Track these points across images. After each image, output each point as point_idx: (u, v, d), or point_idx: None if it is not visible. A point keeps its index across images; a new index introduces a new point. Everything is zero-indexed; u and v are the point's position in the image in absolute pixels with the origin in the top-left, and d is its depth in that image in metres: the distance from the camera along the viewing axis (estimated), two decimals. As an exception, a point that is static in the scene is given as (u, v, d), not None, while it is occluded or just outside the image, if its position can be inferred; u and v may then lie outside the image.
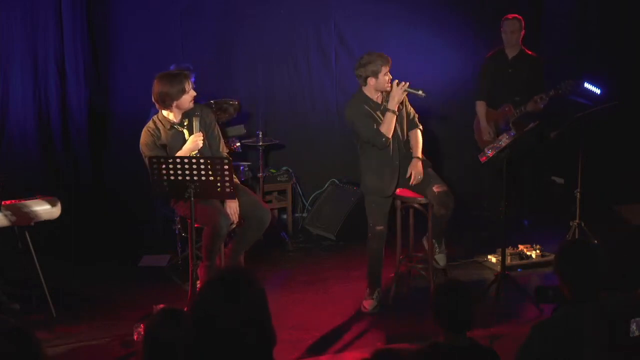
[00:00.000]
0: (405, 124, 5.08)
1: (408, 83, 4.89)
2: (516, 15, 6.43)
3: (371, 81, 4.95)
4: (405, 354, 2.73)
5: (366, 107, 4.99)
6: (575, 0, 7.55)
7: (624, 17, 7.13)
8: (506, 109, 6.36)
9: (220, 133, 5.06)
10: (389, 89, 4.94)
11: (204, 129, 4.92)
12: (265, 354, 2.09)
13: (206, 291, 2.12)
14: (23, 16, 6.10)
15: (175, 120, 4.86)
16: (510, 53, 6.47)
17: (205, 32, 6.75)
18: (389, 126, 4.92)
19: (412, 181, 4.98)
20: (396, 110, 4.92)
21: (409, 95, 5.00)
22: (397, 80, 4.90)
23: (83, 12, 6.27)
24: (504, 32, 6.42)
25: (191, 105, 4.86)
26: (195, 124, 4.84)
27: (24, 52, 6.14)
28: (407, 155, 5.08)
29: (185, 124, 4.87)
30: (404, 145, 5.08)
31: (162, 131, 4.83)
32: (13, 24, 6.08)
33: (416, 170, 5.00)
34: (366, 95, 5.01)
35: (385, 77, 4.92)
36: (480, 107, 6.53)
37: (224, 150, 5.04)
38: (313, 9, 7.07)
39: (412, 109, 5.17)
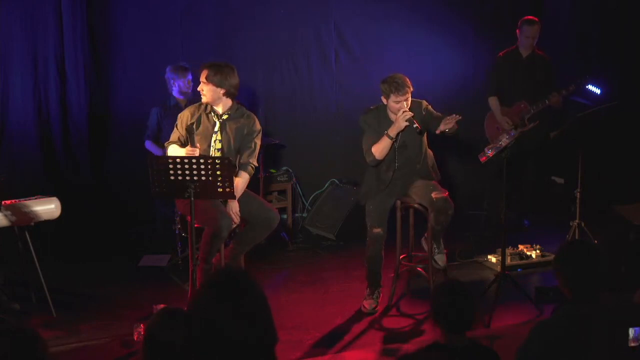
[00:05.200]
0: (419, 149, 5.08)
1: (411, 114, 4.86)
2: (536, 19, 6.41)
3: (384, 99, 4.97)
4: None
5: (377, 120, 5.02)
6: (575, 0, 7.56)
7: (624, 17, 7.13)
8: (521, 105, 6.37)
9: (257, 146, 5.08)
10: (394, 117, 4.93)
11: (239, 134, 5.00)
12: (265, 353, 2.09)
13: (202, 294, 2.12)
14: (23, 16, 6.10)
15: (217, 109, 5.00)
16: (525, 52, 6.47)
17: (205, 32, 6.75)
18: (380, 148, 4.94)
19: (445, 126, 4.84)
20: (393, 136, 4.92)
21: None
22: (404, 109, 4.86)
23: (83, 12, 6.27)
24: (524, 36, 6.39)
25: (203, 99, 4.99)
26: (192, 138, 4.89)
27: (24, 52, 6.14)
28: (410, 175, 5.09)
29: (223, 117, 4.99)
30: (417, 171, 5.10)
31: (200, 111, 5.00)
32: (13, 24, 6.08)
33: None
34: (386, 111, 5.02)
35: (394, 104, 4.88)
36: (494, 101, 6.53)
37: (253, 162, 5.05)
38: (313, 9, 7.07)
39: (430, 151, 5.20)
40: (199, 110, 5.04)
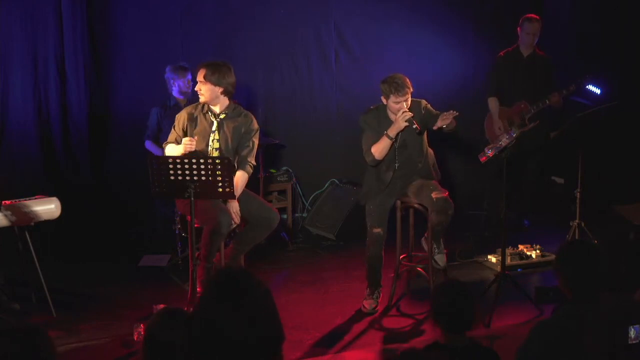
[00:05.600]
0: (419, 149, 5.08)
1: (411, 114, 4.85)
2: (536, 17, 6.41)
3: (384, 100, 4.96)
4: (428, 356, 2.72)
5: (377, 120, 5.01)
6: (575, 0, 7.56)
7: (624, 17, 7.13)
8: (522, 105, 6.36)
9: (255, 145, 5.08)
10: (394, 117, 4.92)
11: (237, 133, 5.00)
12: (271, 351, 2.09)
13: (205, 294, 2.12)
14: (23, 16, 6.10)
15: (216, 110, 4.99)
16: (525, 52, 6.47)
17: (205, 32, 6.75)
18: (379, 148, 4.94)
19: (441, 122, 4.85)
20: (393, 136, 4.91)
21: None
22: (404, 110, 4.85)
23: (83, 12, 6.27)
24: (525, 33, 6.39)
25: (201, 98, 4.98)
26: (191, 129, 4.92)
27: (24, 52, 6.14)
28: (410, 175, 5.09)
29: (220, 117, 4.99)
30: (417, 171, 5.09)
31: (196, 112, 5.01)
32: (13, 24, 6.08)
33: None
34: (386, 110, 5.01)
35: (394, 104, 4.88)
36: (493, 102, 6.52)
37: (251, 160, 5.05)
38: (313, 9, 7.07)
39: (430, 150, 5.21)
40: (196, 110, 5.04)
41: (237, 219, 4.91)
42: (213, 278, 2.18)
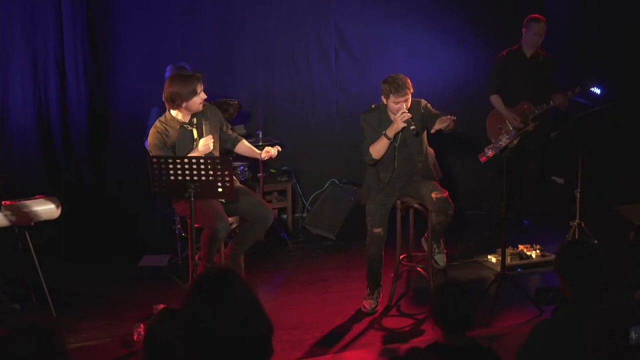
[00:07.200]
0: (419, 148, 5.08)
1: (410, 115, 4.85)
2: (542, 17, 6.39)
3: (384, 99, 4.96)
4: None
5: (377, 120, 5.01)
6: (575, 0, 7.56)
7: (624, 17, 7.13)
8: (525, 106, 6.34)
9: (229, 125, 5.19)
10: (393, 117, 4.92)
11: (215, 130, 4.97)
12: (261, 344, 2.10)
13: (192, 296, 2.13)
14: (23, 16, 6.10)
15: (184, 120, 4.88)
16: (529, 52, 6.46)
17: (205, 32, 6.75)
18: (377, 147, 4.94)
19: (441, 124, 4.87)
20: (391, 136, 4.91)
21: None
22: (403, 110, 4.84)
23: (83, 11, 6.27)
24: (532, 33, 6.34)
25: (200, 107, 4.87)
26: (206, 127, 4.88)
27: (24, 52, 6.15)
28: (410, 174, 5.08)
29: (194, 122, 4.91)
30: (417, 170, 5.08)
31: (170, 131, 4.84)
32: (13, 24, 6.08)
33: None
34: (386, 110, 5.01)
35: (393, 104, 4.88)
36: (497, 99, 6.47)
37: (238, 138, 5.18)
38: (313, 9, 7.07)
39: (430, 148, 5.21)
40: (171, 128, 4.84)
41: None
42: (202, 279, 2.18)
